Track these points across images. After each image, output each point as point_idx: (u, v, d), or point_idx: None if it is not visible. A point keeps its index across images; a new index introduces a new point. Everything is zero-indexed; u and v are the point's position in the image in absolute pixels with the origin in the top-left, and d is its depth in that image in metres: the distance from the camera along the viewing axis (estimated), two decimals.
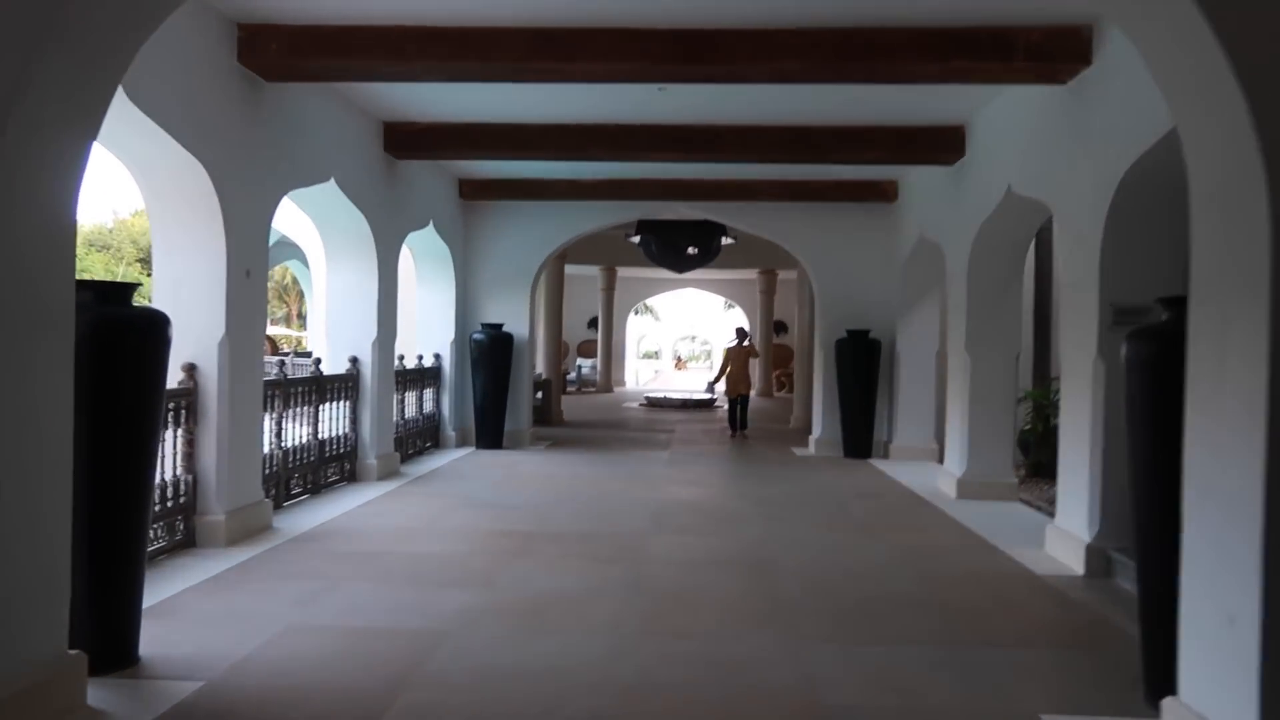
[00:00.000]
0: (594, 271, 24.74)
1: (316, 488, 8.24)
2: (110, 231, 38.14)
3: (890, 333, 11.63)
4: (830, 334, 11.95)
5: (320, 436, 8.35)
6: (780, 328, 26.49)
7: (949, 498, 8.61)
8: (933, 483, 9.32)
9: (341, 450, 8.79)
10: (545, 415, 15.40)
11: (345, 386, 8.90)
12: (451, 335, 11.97)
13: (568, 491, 8.76)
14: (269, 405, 7.38)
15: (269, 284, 39.91)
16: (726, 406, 14.72)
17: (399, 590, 5.31)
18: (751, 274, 25.34)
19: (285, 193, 7.17)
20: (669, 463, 11.07)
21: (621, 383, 29.17)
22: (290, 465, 7.75)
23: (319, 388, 8.32)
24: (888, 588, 5.54)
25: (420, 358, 11.42)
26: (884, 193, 11.56)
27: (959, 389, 8.78)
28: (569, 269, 22.31)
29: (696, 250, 17.70)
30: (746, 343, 14.99)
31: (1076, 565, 5.89)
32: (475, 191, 11.91)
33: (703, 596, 5.32)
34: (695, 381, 37.77)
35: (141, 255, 35.35)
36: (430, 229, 10.83)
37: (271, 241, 18.49)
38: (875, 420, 11.65)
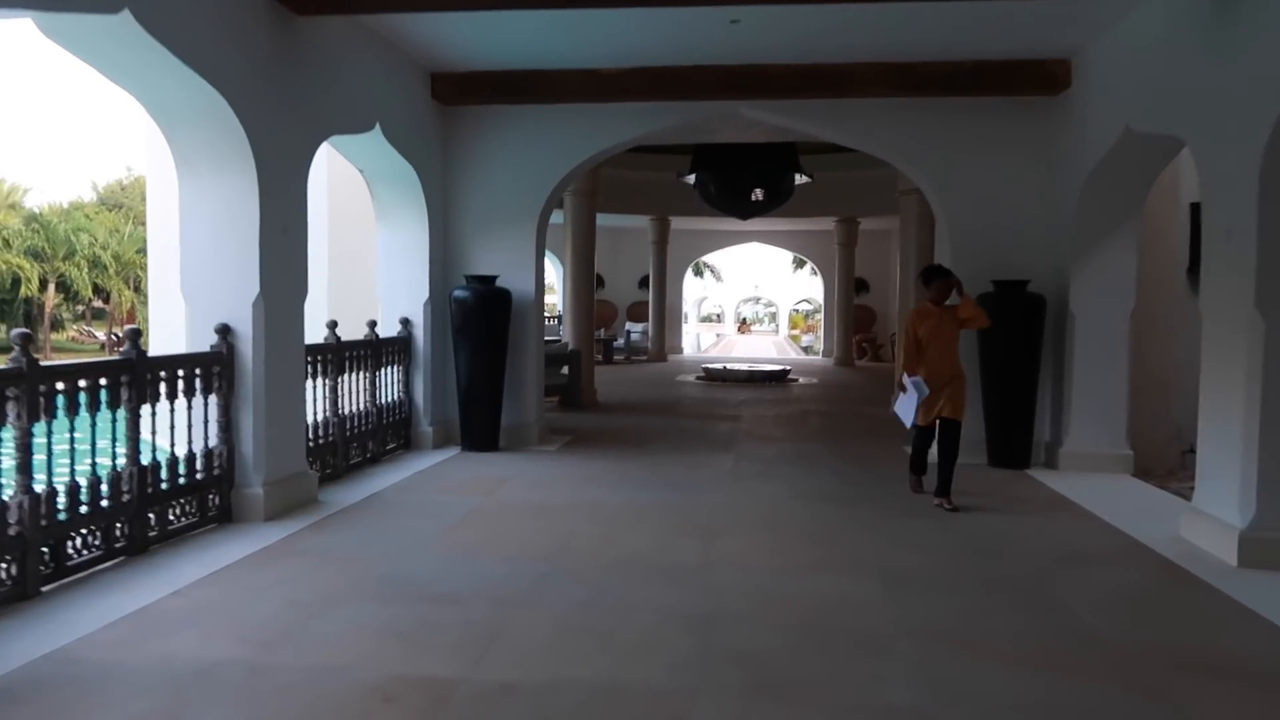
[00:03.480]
0: (643, 223, 21.16)
1: (139, 545, 4.90)
2: (124, 189, 35.29)
3: (1059, 285, 7.84)
4: (966, 287, 8.20)
5: (146, 459, 5.01)
6: (862, 285, 22.85)
7: (1225, 566, 4.90)
8: (1166, 525, 5.63)
9: (202, 475, 5.45)
10: (573, 397, 11.98)
11: (205, 374, 5.52)
12: (425, 293, 8.53)
13: (558, 551, 5.24)
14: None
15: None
16: (910, 427, 6.69)
17: None
18: (828, 223, 21.46)
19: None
20: (731, 479, 7.48)
21: (678, 350, 25.61)
22: (70, 518, 4.43)
23: (134, 380, 4.93)
24: None
25: (373, 325, 7.98)
26: (1048, 77, 7.73)
27: (1232, 377, 5.03)
28: (612, 220, 18.86)
29: (763, 192, 14.12)
30: (954, 296, 6.63)
31: None
32: (454, 91, 8.37)
33: None
34: (760, 347, 34.05)
35: None
36: (378, 136, 7.34)
37: None
38: (1036, 413, 7.92)
